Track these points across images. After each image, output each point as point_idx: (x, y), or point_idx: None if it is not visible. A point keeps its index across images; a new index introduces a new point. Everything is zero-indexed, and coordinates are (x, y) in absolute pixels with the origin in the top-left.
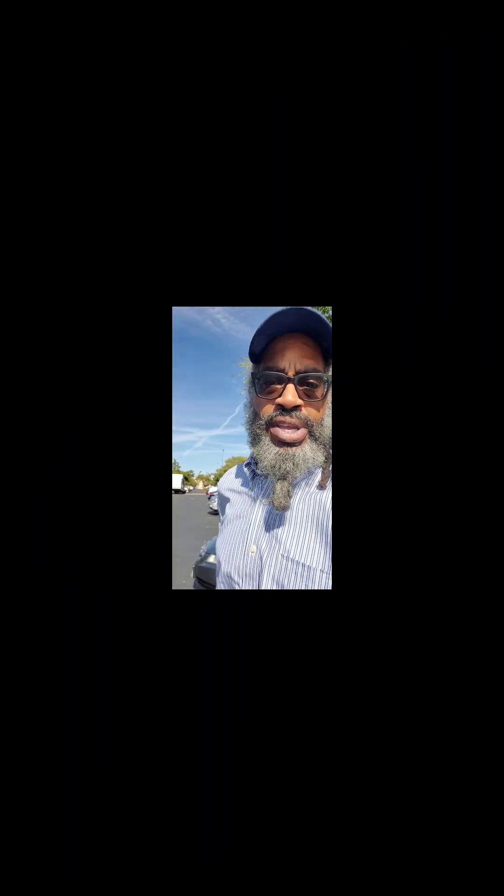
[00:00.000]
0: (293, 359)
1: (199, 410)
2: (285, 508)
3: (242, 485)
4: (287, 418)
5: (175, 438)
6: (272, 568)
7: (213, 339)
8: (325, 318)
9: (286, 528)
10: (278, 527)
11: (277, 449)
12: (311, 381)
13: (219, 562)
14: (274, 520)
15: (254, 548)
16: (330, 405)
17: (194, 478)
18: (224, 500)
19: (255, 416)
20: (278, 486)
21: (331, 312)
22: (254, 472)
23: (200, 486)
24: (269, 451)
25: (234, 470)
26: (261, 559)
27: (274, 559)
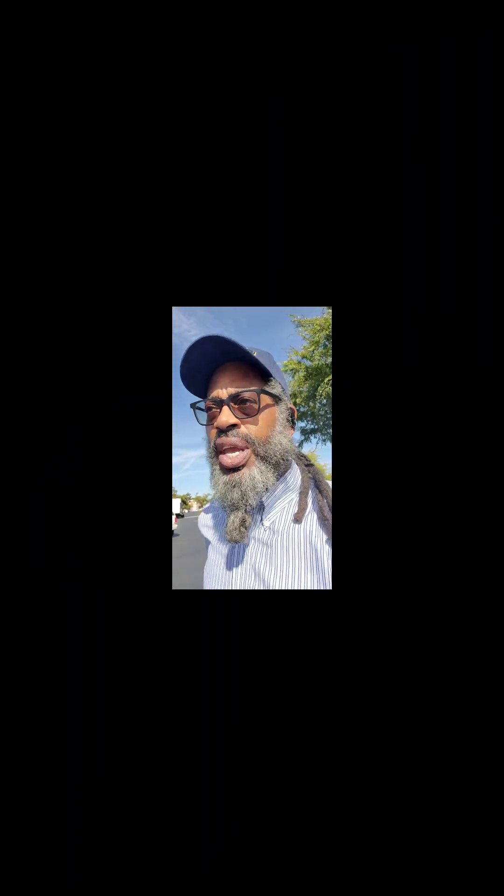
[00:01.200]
0: (225, 383)
1: (185, 430)
2: (237, 542)
3: (216, 523)
4: (227, 440)
5: None
6: None
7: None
8: (234, 341)
9: (270, 568)
10: (262, 566)
11: (225, 477)
12: (244, 398)
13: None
14: (257, 559)
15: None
16: (280, 424)
17: (191, 501)
18: (205, 540)
19: (208, 447)
20: (231, 517)
21: (328, 312)
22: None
23: (196, 507)
24: (220, 481)
25: (209, 506)
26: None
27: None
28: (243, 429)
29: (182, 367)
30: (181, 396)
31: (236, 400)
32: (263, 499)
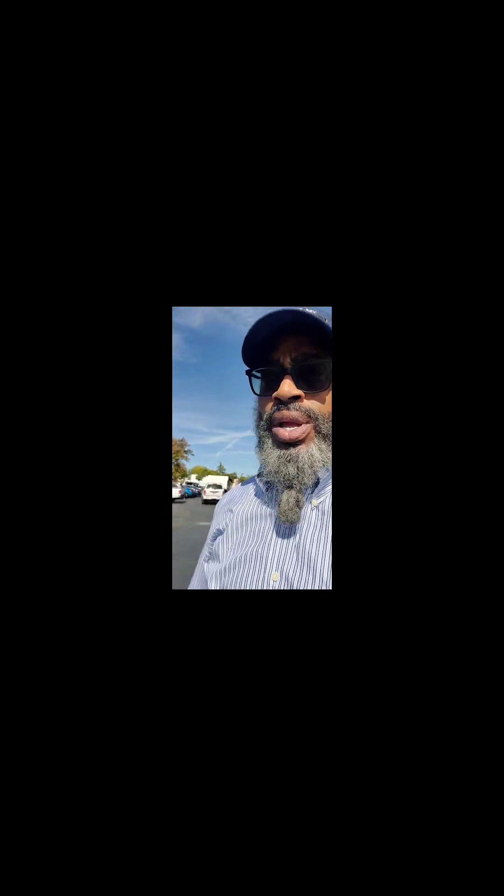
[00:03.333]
0: (287, 350)
1: (230, 412)
2: (293, 522)
3: (256, 496)
4: (286, 412)
5: (207, 440)
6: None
7: (241, 341)
8: (315, 315)
9: (317, 550)
10: (307, 549)
11: (279, 451)
12: (311, 369)
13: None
14: (301, 540)
15: (276, 575)
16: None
17: (236, 480)
18: (228, 517)
19: (259, 419)
20: (284, 495)
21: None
22: (267, 484)
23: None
24: (272, 455)
25: (240, 486)
26: (291, 588)
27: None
28: (306, 402)
29: (249, 338)
30: (182, 395)
31: (303, 369)
32: (319, 475)
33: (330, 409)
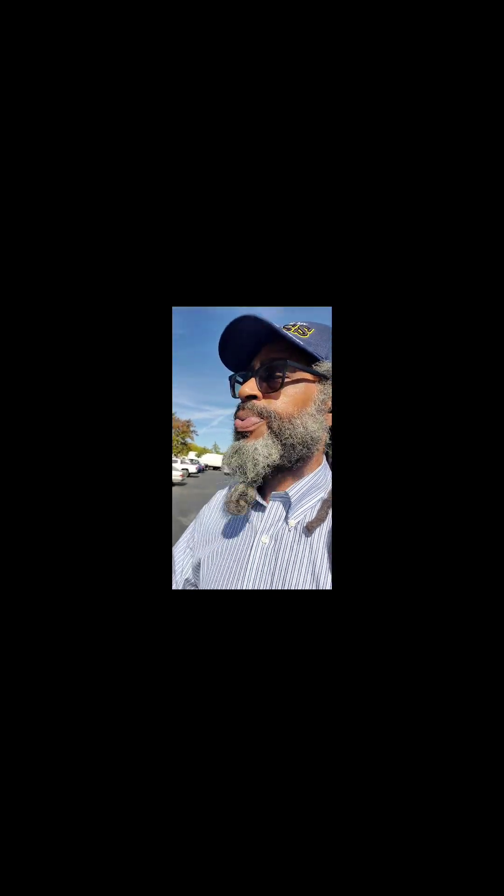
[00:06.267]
0: (263, 355)
1: (216, 388)
2: (236, 514)
3: (231, 518)
4: (241, 411)
5: (192, 416)
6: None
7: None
8: (264, 320)
9: (291, 570)
10: (282, 569)
11: (233, 444)
12: (270, 370)
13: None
14: (272, 557)
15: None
16: (314, 406)
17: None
18: (212, 526)
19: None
20: (232, 490)
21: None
22: (255, 502)
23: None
24: (229, 449)
25: (222, 495)
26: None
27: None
28: (262, 402)
29: (220, 343)
30: (203, 372)
31: (265, 372)
32: (290, 493)
33: (288, 411)
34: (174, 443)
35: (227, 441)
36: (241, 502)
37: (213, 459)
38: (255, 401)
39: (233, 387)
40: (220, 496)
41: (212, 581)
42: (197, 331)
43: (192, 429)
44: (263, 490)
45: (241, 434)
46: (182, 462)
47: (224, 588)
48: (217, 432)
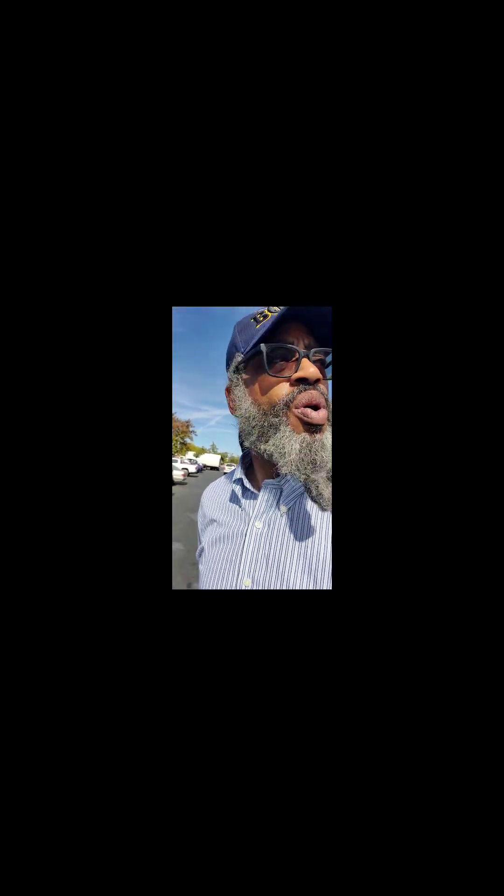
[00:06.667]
0: (299, 335)
1: (213, 387)
2: (327, 510)
3: (231, 502)
4: (315, 393)
5: (190, 416)
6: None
7: (237, 316)
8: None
9: (284, 554)
10: (275, 554)
11: (304, 436)
12: (323, 356)
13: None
14: (266, 543)
15: (248, 581)
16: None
17: (228, 458)
18: (208, 519)
19: (257, 409)
20: (320, 481)
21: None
22: (244, 488)
23: (228, 469)
24: (295, 442)
25: (219, 483)
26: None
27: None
28: (323, 386)
29: (280, 316)
30: (200, 372)
31: (315, 356)
32: (282, 482)
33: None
34: (174, 443)
35: (223, 441)
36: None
37: (211, 459)
38: (321, 384)
39: (265, 362)
40: (215, 486)
41: (212, 567)
42: (195, 330)
43: (191, 429)
44: (254, 477)
45: (310, 426)
46: (181, 462)
47: (223, 573)
48: (214, 432)
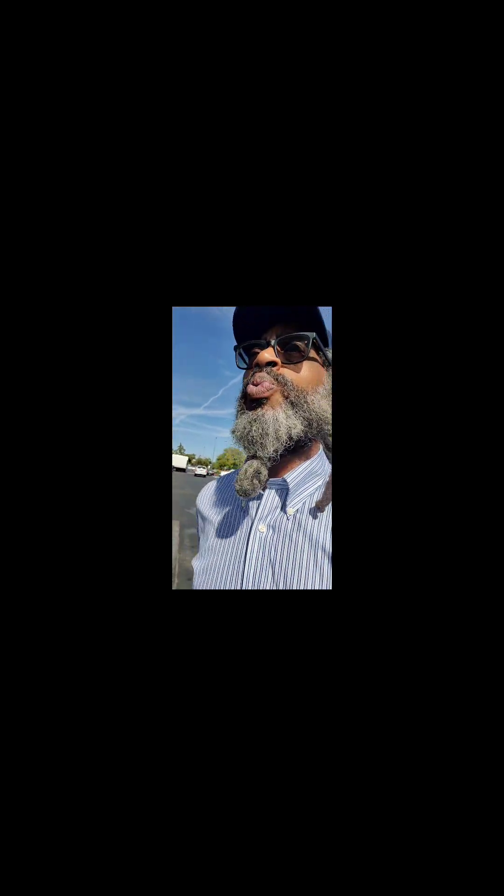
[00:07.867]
0: (277, 330)
1: (183, 387)
2: (248, 495)
3: (228, 503)
4: (258, 374)
5: None
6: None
7: (210, 320)
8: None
9: (291, 563)
10: (282, 560)
11: (248, 413)
12: (293, 344)
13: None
14: (271, 548)
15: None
16: (325, 389)
17: (195, 460)
18: (206, 521)
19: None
20: (244, 465)
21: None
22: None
23: (199, 470)
24: (242, 419)
25: (216, 483)
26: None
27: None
28: (281, 369)
29: (237, 314)
30: (182, 385)
31: (284, 343)
32: (288, 480)
33: (305, 386)
34: None
35: (191, 442)
36: (255, 481)
37: (178, 461)
38: (274, 367)
39: (243, 357)
40: (212, 487)
41: (212, 574)
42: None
43: None
44: None
45: (254, 402)
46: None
47: (225, 580)
48: (180, 431)
